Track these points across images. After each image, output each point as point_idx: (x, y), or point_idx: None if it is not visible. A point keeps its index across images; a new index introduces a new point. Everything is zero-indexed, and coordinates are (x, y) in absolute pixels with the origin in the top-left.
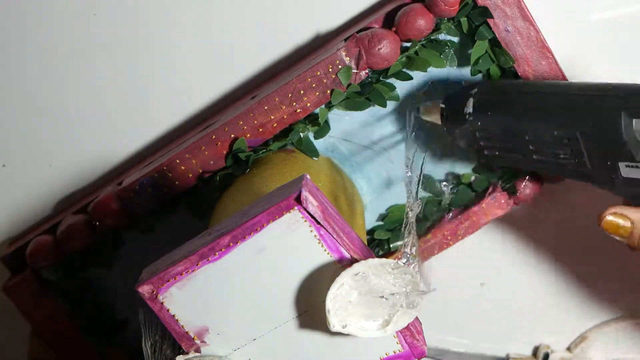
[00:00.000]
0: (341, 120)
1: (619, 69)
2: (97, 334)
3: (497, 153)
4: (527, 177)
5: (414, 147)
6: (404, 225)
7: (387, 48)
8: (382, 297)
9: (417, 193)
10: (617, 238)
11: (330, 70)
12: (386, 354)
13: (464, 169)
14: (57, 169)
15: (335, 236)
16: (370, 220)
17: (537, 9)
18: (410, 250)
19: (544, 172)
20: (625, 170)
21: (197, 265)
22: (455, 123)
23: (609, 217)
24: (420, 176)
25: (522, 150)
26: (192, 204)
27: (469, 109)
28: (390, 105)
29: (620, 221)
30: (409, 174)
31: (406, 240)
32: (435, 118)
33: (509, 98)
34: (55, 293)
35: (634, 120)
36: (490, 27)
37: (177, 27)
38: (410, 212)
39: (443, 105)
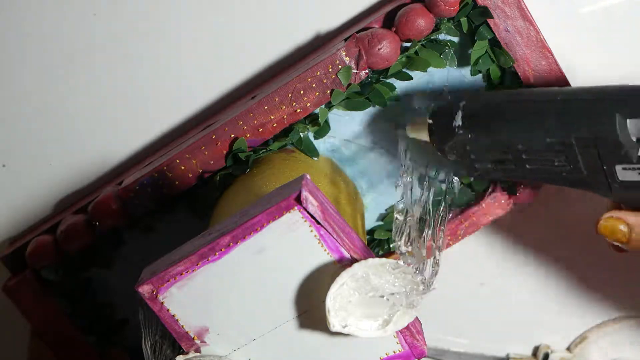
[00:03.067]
0: (341, 120)
1: (618, 62)
2: (97, 334)
3: (489, 166)
4: None
5: (408, 153)
6: (394, 228)
7: (387, 48)
8: (382, 297)
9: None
10: (616, 243)
11: (330, 70)
12: (386, 354)
13: None
14: (57, 169)
15: (335, 236)
16: (370, 220)
17: (537, 9)
18: (408, 249)
19: (538, 181)
20: (622, 173)
21: (197, 265)
22: (445, 138)
23: (606, 222)
24: (426, 180)
25: (514, 161)
26: (192, 204)
27: (458, 121)
28: (391, 105)
29: (619, 226)
30: (402, 179)
31: (398, 241)
32: (423, 135)
33: (499, 108)
34: (55, 293)
35: (628, 120)
36: (490, 27)
37: (177, 27)
38: (399, 216)
39: (430, 121)
